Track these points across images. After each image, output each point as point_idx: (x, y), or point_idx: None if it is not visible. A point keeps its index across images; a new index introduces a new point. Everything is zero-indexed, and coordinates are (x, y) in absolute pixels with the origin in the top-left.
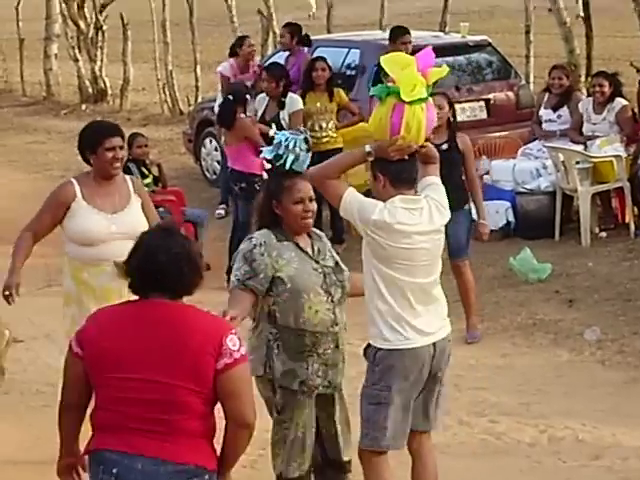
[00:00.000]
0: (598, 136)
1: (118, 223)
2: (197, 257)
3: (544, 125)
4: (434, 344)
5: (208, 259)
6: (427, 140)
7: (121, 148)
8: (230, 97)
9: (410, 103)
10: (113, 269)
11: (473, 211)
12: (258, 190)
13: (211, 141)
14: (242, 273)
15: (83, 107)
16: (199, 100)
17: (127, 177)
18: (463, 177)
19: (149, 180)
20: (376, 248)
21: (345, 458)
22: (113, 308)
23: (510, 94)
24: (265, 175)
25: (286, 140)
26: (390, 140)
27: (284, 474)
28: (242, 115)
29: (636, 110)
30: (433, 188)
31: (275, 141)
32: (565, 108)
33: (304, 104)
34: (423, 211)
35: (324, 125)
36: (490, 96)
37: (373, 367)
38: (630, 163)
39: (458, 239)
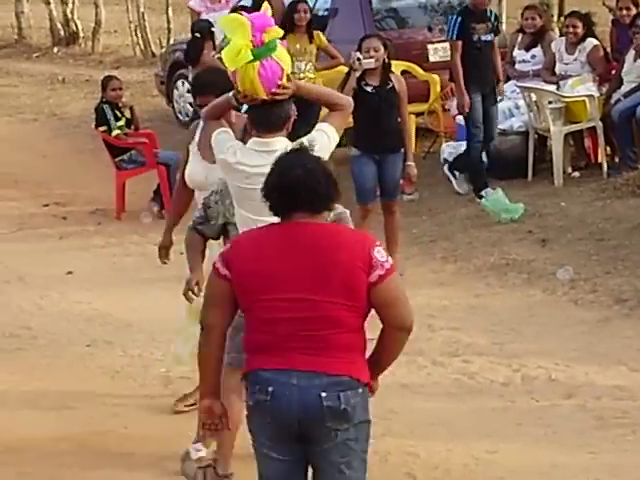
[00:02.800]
0: (571, 76)
1: (211, 175)
2: (331, 172)
3: (517, 65)
4: None
5: None
6: (275, 94)
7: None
8: (197, 34)
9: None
10: None
11: None
12: None
13: (183, 83)
14: (197, 217)
15: (55, 50)
16: (171, 42)
17: None
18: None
19: (122, 122)
20: (230, 187)
21: None
22: (258, 231)
23: None
24: None
25: None
26: (236, 91)
27: None
28: (211, 52)
29: (608, 50)
30: (312, 132)
31: None
32: (538, 48)
33: None
34: (276, 154)
35: (302, 67)
36: None
37: None
38: (602, 103)
39: (394, 180)
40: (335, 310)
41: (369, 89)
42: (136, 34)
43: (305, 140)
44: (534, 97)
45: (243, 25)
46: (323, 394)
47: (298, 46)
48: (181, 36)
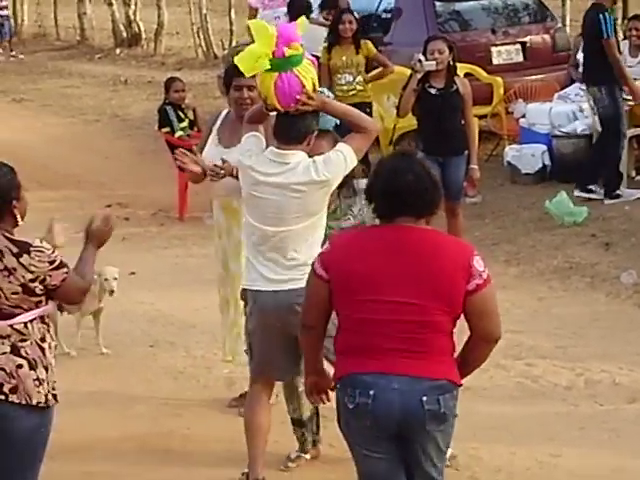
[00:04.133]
0: (635, 79)
1: (226, 157)
2: (436, 178)
3: (581, 68)
4: (275, 292)
5: None
6: (302, 104)
7: (249, 89)
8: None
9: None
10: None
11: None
12: None
13: None
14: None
15: (117, 51)
16: (233, 44)
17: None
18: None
19: (185, 124)
20: (242, 190)
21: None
22: (357, 232)
23: (546, 37)
24: None
25: None
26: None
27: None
28: None
29: None
30: (330, 152)
31: None
32: None
33: (330, 59)
34: (288, 166)
35: (350, 79)
36: (526, 39)
37: None
38: None
39: (457, 182)
40: (438, 315)
41: (433, 91)
42: (198, 36)
43: (320, 159)
44: None
45: (269, 34)
46: (424, 398)
47: (344, 58)
48: (243, 37)
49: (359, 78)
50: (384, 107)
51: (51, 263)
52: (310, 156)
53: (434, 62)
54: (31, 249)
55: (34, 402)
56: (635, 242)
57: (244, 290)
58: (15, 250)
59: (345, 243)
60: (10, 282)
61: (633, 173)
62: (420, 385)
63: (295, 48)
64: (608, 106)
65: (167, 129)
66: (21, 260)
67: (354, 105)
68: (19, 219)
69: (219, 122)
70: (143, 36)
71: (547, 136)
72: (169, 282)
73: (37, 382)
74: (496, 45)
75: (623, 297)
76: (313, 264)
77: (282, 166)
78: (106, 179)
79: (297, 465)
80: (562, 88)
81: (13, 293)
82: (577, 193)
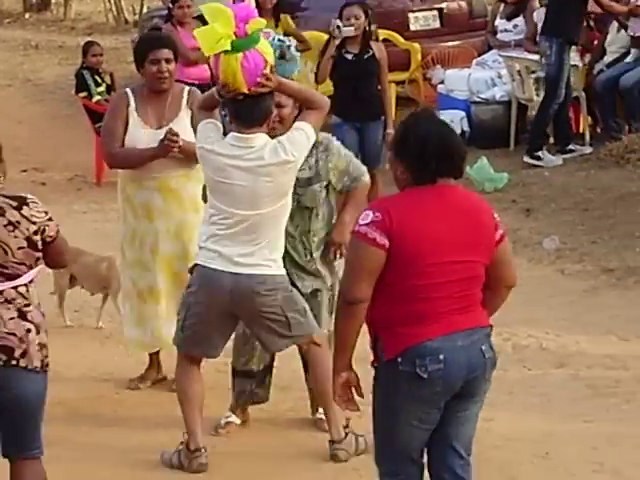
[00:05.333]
0: (507, 45)
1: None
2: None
3: (499, 35)
4: (235, 275)
5: None
6: (258, 86)
7: (167, 61)
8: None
9: (226, 52)
10: (152, 185)
11: None
12: None
13: None
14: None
15: (26, 16)
16: (144, 9)
17: (186, 89)
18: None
19: (102, 88)
20: (205, 178)
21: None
22: (404, 196)
23: (463, 3)
24: None
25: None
26: (219, 83)
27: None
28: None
29: (591, 20)
30: (291, 130)
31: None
32: (520, 18)
33: None
34: (254, 149)
35: None
36: (443, 5)
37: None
38: (586, 73)
39: (374, 147)
40: (481, 269)
41: (349, 57)
42: (109, 0)
43: (284, 139)
44: (517, 67)
45: (226, 15)
46: (483, 347)
47: None
48: (154, 3)
49: None
50: (302, 73)
51: (46, 213)
52: (272, 137)
53: (352, 28)
54: (28, 200)
55: (38, 366)
56: (555, 208)
57: (195, 265)
58: (14, 204)
59: (402, 208)
60: (16, 237)
61: (551, 140)
62: (477, 335)
63: (254, 24)
64: (553, 65)
65: (84, 93)
66: (22, 212)
67: None
68: (2, 179)
69: (132, 103)
70: (53, 0)
71: (465, 102)
72: (90, 247)
73: (39, 347)
74: (413, 11)
75: (545, 262)
76: (363, 234)
77: (247, 149)
78: (21, 144)
79: (227, 431)
80: (479, 55)
81: (19, 248)
82: (525, 159)
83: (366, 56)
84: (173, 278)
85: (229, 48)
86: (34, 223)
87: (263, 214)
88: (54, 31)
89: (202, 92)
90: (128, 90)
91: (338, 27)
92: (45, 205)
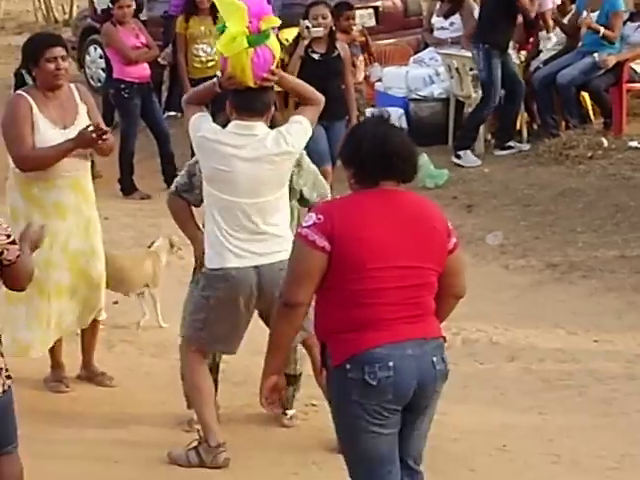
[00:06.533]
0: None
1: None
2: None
3: (436, 32)
4: (256, 268)
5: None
6: (264, 80)
7: (63, 59)
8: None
9: None
10: (64, 183)
11: None
12: (125, 97)
13: (95, 49)
14: (181, 184)
15: None
16: (74, 9)
17: (72, 85)
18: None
19: None
20: (202, 167)
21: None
22: (350, 198)
23: (398, 2)
24: None
25: None
26: (224, 75)
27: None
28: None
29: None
30: (289, 123)
31: None
32: (457, 16)
33: (187, 28)
34: (255, 138)
35: (209, 50)
36: (378, 3)
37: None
38: (522, 70)
39: (338, 147)
40: (432, 276)
41: (316, 57)
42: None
43: (284, 130)
44: (455, 64)
45: (240, 10)
46: (434, 359)
47: (203, 28)
48: (83, 2)
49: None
50: None
51: (7, 237)
52: (271, 127)
53: (321, 28)
54: None
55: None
56: (497, 204)
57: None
58: None
59: (344, 212)
60: None
61: (489, 136)
62: (428, 346)
63: (267, 21)
64: (483, 70)
65: None
66: None
67: (213, 77)
68: None
69: (34, 106)
70: None
71: (404, 100)
72: None
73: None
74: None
75: (489, 258)
76: (304, 236)
77: (251, 138)
78: None
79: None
80: (415, 52)
81: None
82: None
83: (333, 55)
84: (78, 274)
85: (247, 46)
86: None
87: (263, 202)
88: None
89: (142, 91)
90: (24, 93)
91: (307, 28)
92: None
